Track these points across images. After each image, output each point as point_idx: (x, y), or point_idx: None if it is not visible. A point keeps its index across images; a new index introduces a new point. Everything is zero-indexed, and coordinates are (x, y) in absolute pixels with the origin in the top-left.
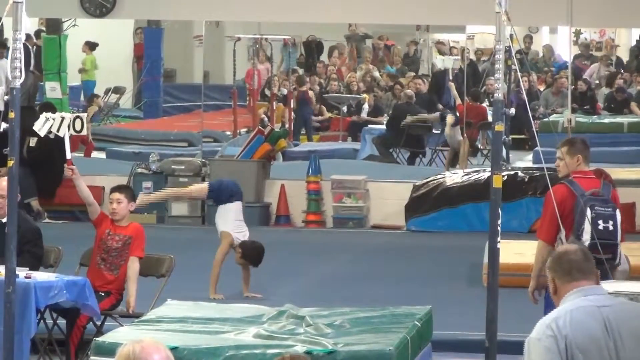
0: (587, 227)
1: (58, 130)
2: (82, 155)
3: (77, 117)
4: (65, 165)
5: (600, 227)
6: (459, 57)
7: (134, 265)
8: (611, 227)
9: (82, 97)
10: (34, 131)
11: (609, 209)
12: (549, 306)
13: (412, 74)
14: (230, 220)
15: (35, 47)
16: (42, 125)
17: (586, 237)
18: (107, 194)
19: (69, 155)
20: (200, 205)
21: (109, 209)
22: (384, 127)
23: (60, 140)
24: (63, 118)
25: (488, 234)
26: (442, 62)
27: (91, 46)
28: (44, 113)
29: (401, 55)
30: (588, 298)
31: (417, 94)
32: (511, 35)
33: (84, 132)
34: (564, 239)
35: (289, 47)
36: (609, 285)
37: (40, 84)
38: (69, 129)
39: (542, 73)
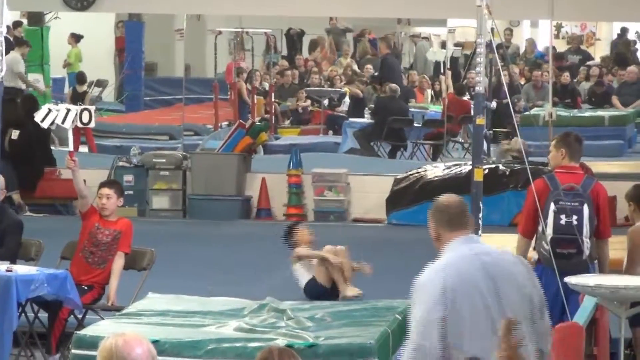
0: (550, 221)
1: (63, 123)
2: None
3: (85, 109)
4: (68, 156)
5: (562, 221)
6: (459, 48)
7: (119, 261)
8: (575, 222)
9: (66, 90)
10: (16, 123)
11: (576, 203)
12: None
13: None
14: None
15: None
16: (45, 116)
17: (549, 231)
18: (88, 187)
19: (71, 147)
20: (181, 198)
21: (97, 204)
22: (365, 120)
23: (43, 133)
24: (69, 110)
25: None
26: (434, 55)
27: (77, 38)
28: (47, 104)
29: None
30: (470, 247)
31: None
32: (492, 29)
33: (92, 125)
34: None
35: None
36: (590, 279)
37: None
38: (74, 121)
39: (526, 65)
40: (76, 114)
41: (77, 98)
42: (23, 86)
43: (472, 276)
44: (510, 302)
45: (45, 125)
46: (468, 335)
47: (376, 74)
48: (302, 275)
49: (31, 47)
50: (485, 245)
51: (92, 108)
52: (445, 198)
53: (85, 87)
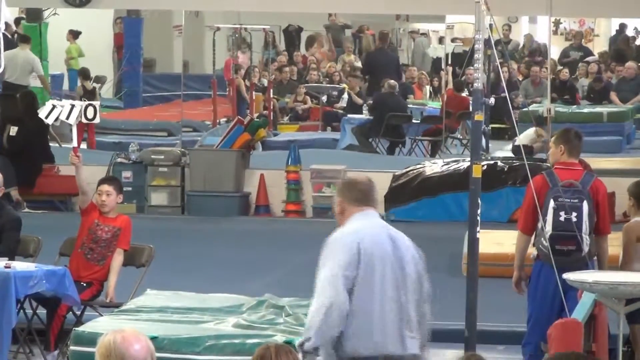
0: (549, 218)
1: (67, 118)
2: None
3: (90, 104)
4: (72, 152)
5: (562, 218)
6: (461, 43)
7: (119, 258)
8: (574, 219)
9: (64, 86)
10: (15, 120)
11: (575, 200)
12: (532, 296)
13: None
14: None
15: (15, 35)
16: (49, 112)
17: (548, 228)
18: (87, 183)
19: (75, 143)
20: (180, 194)
21: (97, 200)
22: (363, 117)
23: (42, 130)
24: (73, 106)
25: (468, 223)
26: (435, 51)
27: (75, 35)
28: (50, 100)
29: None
30: (375, 220)
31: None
32: (491, 25)
33: (97, 120)
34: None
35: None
36: (588, 275)
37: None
38: (80, 117)
39: (522, 63)
40: (81, 110)
41: (88, 95)
42: (32, 84)
43: (383, 244)
44: (410, 276)
45: (50, 121)
46: (377, 296)
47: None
48: None
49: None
50: (385, 221)
51: (97, 104)
52: (355, 176)
53: (92, 83)
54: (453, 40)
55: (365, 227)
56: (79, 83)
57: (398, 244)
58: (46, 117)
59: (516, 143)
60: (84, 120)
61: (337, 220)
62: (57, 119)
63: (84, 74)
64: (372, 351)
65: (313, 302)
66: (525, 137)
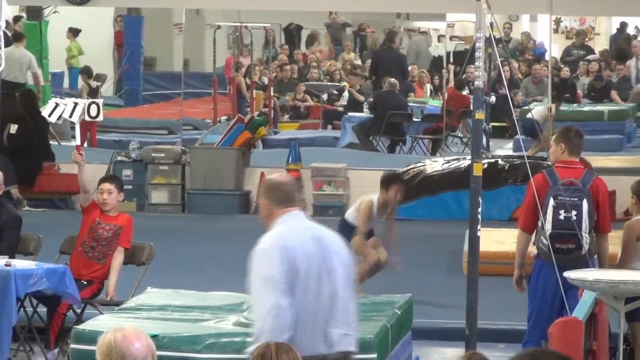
0: (549, 216)
1: (71, 116)
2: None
3: (93, 102)
4: (75, 150)
5: (561, 216)
6: (462, 42)
7: (119, 256)
8: (574, 217)
9: (65, 84)
10: (14, 118)
11: (575, 199)
12: (533, 294)
13: None
14: None
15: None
16: (52, 110)
17: (548, 226)
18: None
19: (78, 141)
20: (180, 193)
21: (98, 199)
22: (364, 115)
23: (42, 128)
24: (76, 104)
25: (468, 222)
26: (436, 49)
27: (75, 32)
28: (53, 99)
29: (378, 43)
30: (301, 221)
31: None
32: (491, 24)
33: (100, 118)
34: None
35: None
36: (589, 274)
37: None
38: (83, 115)
39: (522, 61)
40: (84, 108)
41: (91, 93)
42: (27, 81)
43: (308, 246)
44: (337, 275)
45: (53, 119)
46: (303, 298)
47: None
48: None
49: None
50: (313, 222)
51: (100, 101)
52: (277, 176)
53: (94, 81)
54: (451, 38)
55: (291, 230)
56: (80, 81)
57: (324, 245)
58: (49, 115)
59: (528, 116)
60: (87, 118)
61: (263, 224)
62: (60, 117)
63: (87, 72)
64: (300, 351)
65: (255, 310)
66: (537, 112)
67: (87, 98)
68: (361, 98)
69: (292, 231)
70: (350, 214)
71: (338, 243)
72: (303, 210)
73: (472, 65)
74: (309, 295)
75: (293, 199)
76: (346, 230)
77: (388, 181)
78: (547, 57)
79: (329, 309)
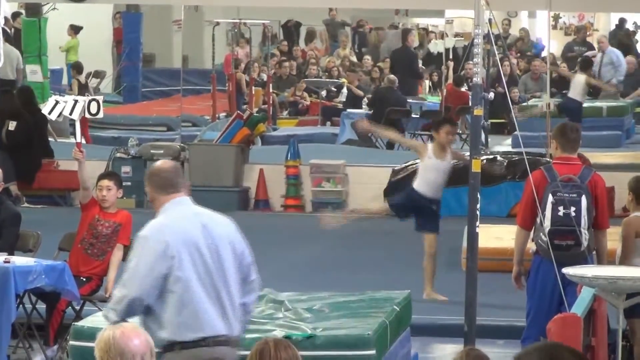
0: (548, 213)
1: (71, 114)
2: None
3: (93, 99)
4: (75, 147)
5: (560, 213)
6: (462, 38)
7: (118, 253)
8: (573, 213)
9: (63, 81)
10: (13, 115)
11: (574, 195)
12: (532, 290)
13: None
14: None
15: (13, 29)
16: (52, 108)
17: (546, 223)
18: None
19: (79, 138)
20: None
21: (97, 195)
22: (362, 111)
23: (40, 124)
24: (76, 101)
25: (467, 218)
26: (435, 46)
27: (76, 30)
28: (53, 96)
29: (378, 39)
30: (186, 207)
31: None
32: (490, 20)
33: (100, 115)
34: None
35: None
36: (588, 270)
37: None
38: (83, 112)
39: (522, 57)
40: (84, 105)
41: (82, 90)
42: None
43: (193, 235)
44: (226, 260)
45: (53, 117)
46: (194, 284)
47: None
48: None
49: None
50: (199, 207)
51: (101, 99)
52: (159, 163)
53: (89, 78)
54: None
55: (175, 217)
56: (64, 78)
57: (210, 228)
58: (49, 113)
59: (570, 96)
60: (87, 116)
61: (153, 208)
62: (60, 114)
63: (77, 67)
64: (201, 334)
65: (118, 287)
66: (575, 89)
67: (86, 95)
68: (360, 93)
69: (177, 218)
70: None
71: (226, 226)
72: (189, 195)
73: (471, 62)
74: (199, 280)
75: (176, 185)
76: (409, 195)
77: (437, 124)
78: (544, 54)
79: (222, 293)
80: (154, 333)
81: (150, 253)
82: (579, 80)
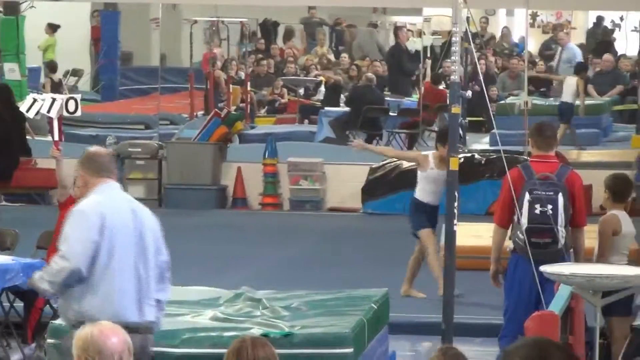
0: (525, 211)
1: (49, 112)
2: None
3: (71, 97)
4: (53, 146)
5: (537, 211)
6: (439, 36)
7: None
8: (550, 211)
9: (41, 79)
10: None
11: (551, 193)
12: (509, 288)
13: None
14: None
15: None
16: (30, 106)
17: (524, 220)
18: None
19: (56, 136)
20: (157, 187)
21: (75, 193)
22: (340, 109)
23: (19, 123)
24: (54, 99)
25: (445, 216)
26: (414, 44)
27: (54, 28)
28: (31, 94)
29: (354, 37)
30: (117, 192)
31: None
32: (468, 18)
33: (78, 113)
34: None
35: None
36: (565, 268)
37: None
38: (61, 111)
39: (501, 55)
40: (62, 103)
41: (55, 88)
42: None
43: (125, 216)
44: (149, 249)
45: (31, 115)
46: (117, 266)
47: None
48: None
49: None
50: (127, 194)
51: (79, 97)
52: (95, 148)
53: (59, 76)
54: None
55: (109, 198)
56: (42, 77)
57: (139, 216)
58: (27, 111)
59: (563, 99)
60: (65, 114)
61: (77, 194)
62: (38, 112)
63: (50, 66)
64: (110, 318)
65: (57, 259)
66: (567, 93)
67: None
68: (339, 79)
69: (110, 200)
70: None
71: (150, 217)
72: (119, 182)
73: (449, 60)
74: (123, 264)
75: (109, 170)
76: (418, 207)
77: (442, 138)
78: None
79: (142, 279)
80: (69, 307)
81: (89, 226)
82: (570, 82)
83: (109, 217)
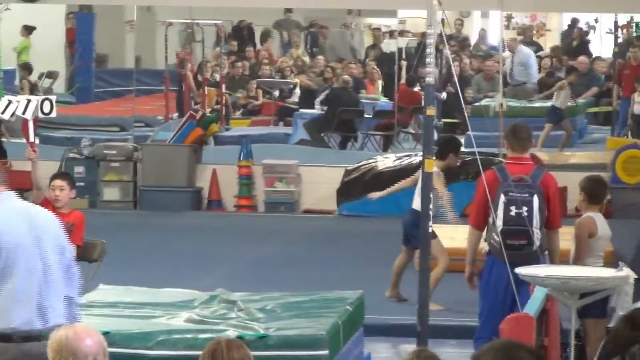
0: (500, 212)
1: (24, 113)
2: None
3: (46, 99)
4: (29, 147)
5: (512, 212)
6: (414, 38)
7: None
8: (525, 213)
9: (16, 81)
10: None
11: (525, 195)
12: (484, 290)
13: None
14: None
15: None
16: (5, 108)
17: (499, 222)
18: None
19: (32, 138)
20: (132, 189)
21: (50, 195)
22: (315, 111)
23: None
24: (29, 100)
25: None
26: (388, 46)
27: (29, 30)
28: (6, 96)
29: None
30: (12, 201)
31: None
32: (443, 20)
33: (54, 115)
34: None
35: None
36: (540, 270)
37: None
38: (36, 112)
39: (475, 57)
40: (37, 105)
41: (31, 90)
42: None
43: (19, 229)
44: (48, 251)
45: (6, 116)
46: (16, 276)
47: None
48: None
49: None
50: (22, 202)
51: (54, 98)
52: None
53: (34, 78)
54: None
55: (2, 209)
56: (17, 79)
57: (36, 223)
58: (2, 113)
59: (555, 104)
60: (40, 115)
61: None
62: (13, 114)
63: (27, 68)
64: (14, 326)
65: None
66: (557, 98)
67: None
68: (312, 85)
69: (5, 210)
70: (417, 202)
71: (49, 220)
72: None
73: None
74: (20, 272)
75: (2, 180)
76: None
77: (442, 152)
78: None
79: (41, 284)
80: None
81: None
82: (563, 89)
83: (2, 238)
